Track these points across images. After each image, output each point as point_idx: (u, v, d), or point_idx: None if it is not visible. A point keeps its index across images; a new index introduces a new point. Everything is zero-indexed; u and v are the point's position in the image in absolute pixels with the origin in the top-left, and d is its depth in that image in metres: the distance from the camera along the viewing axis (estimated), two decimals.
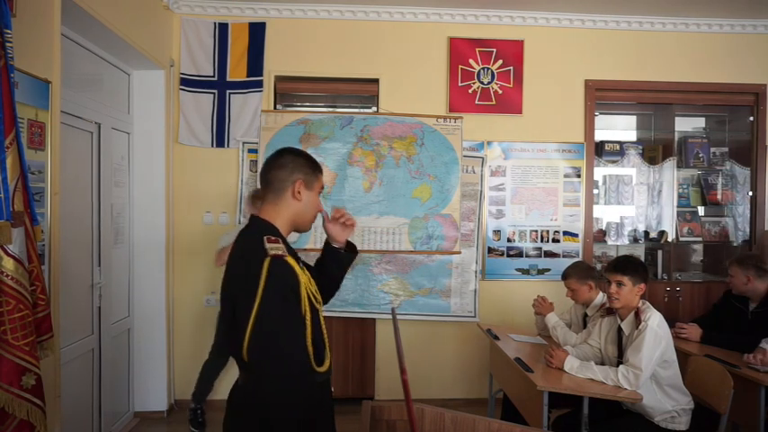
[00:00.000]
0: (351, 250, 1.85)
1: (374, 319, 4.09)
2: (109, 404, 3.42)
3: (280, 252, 1.46)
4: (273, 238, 1.50)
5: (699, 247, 4.69)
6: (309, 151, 1.89)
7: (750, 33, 4.30)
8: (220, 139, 4.02)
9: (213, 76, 4.03)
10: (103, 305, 3.33)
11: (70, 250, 2.86)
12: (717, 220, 4.57)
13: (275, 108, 4.13)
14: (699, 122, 4.82)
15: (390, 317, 1.81)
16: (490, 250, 4.21)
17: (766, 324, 2.95)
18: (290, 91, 4.27)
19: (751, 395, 2.62)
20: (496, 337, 3.27)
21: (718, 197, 4.58)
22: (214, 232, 4.01)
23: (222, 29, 4.02)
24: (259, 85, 4.04)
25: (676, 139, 4.51)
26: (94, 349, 3.26)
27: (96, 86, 3.33)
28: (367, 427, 1.71)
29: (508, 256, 4.22)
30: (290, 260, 1.48)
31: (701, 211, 4.63)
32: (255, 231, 1.54)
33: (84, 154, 3.17)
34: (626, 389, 2.42)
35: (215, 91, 4.02)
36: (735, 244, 4.48)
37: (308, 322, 1.48)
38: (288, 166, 1.60)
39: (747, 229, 4.45)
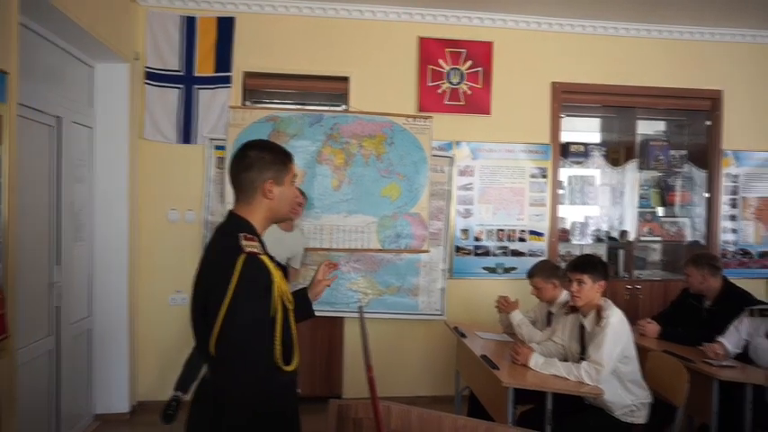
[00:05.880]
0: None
1: (342, 318, 4.09)
2: (68, 406, 3.32)
3: (255, 250, 1.48)
4: (249, 236, 1.52)
5: (658, 247, 4.85)
6: None
7: (708, 41, 4.46)
8: (187, 135, 3.94)
9: (180, 71, 3.95)
10: (63, 304, 3.23)
11: (27, 248, 2.76)
12: (675, 220, 4.73)
13: (245, 104, 4.07)
14: (660, 126, 4.97)
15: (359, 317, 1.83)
16: (458, 249, 4.25)
17: (720, 321, 3.07)
18: (259, 87, 4.22)
19: (705, 389, 2.73)
20: (463, 335, 3.31)
21: (676, 198, 4.74)
22: (179, 230, 3.94)
23: (189, 23, 3.95)
24: (227, 80, 3.98)
25: (638, 141, 4.65)
26: (53, 350, 3.16)
27: (57, 79, 3.22)
28: (333, 426, 1.71)
29: (476, 254, 4.27)
30: (265, 258, 1.49)
31: (660, 211, 4.78)
32: (232, 228, 1.55)
33: (43, 148, 3.07)
34: (588, 384, 2.49)
35: (181, 86, 3.94)
36: (691, 243, 4.64)
37: (279, 321, 1.49)
38: (254, 166, 1.58)
39: (703, 229, 4.61)
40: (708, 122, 4.57)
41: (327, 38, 4.11)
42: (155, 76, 3.92)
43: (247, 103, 4.16)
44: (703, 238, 4.60)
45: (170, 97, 3.94)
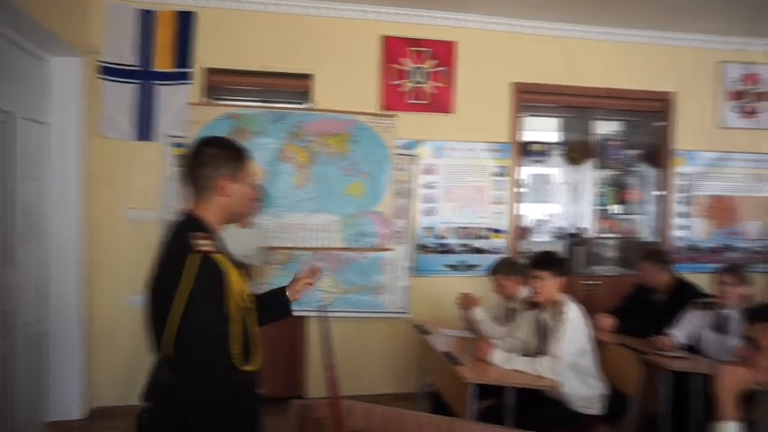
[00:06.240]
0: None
1: (305, 318, 4.07)
2: (21, 413, 3.19)
3: (209, 248, 1.45)
4: (204, 234, 1.49)
5: (614, 243, 5.00)
6: None
7: (660, 45, 4.61)
8: (145, 131, 3.84)
9: (137, 66, 3.84)
10: (15, 307, 3.11)
11: None
12: (629, 217, 4.89)
13: (206, 101, 4.00)
14: (616, 126, 5.12)
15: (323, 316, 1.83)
16: (423, 247, 4.29)
17: (673, 314, 3.19)
18: (221, 84, 4.14)
19: (658, 379, 2.84)
20: (427, 333, 3.34)
21: (631, 196, 4.90)
22: (137, 229, 3.84)
23: (148, 16, 3.85)
24: (188, 76, 3.89)
25: (595, 141, 4.78)
26: (5, 355, 3.03)
27: (7, 73, 3.09)
28: (296, 426, 1.71)
29: (440, 252, 4.32)
30: (219, 257, 1.47)
31: (616, 209, 4.93)
32: (187, 226, 1.53)
33: None
34: (548, 378, 2.55)
35: (139, 81, 3.84)
36: (645, 239, 4.80)
37: (236, 320, 1.47)
38: (209, 162, 1.56)
39: (656, 226, 4.79)
40: (659, 123, 4.73)
41: (291, 35, 4.07)
42: (111, 71, 3.80)
43: (209, 99, 4.08)
44: (656, 235, 4.77)
45: (127, 93, 3.82)
